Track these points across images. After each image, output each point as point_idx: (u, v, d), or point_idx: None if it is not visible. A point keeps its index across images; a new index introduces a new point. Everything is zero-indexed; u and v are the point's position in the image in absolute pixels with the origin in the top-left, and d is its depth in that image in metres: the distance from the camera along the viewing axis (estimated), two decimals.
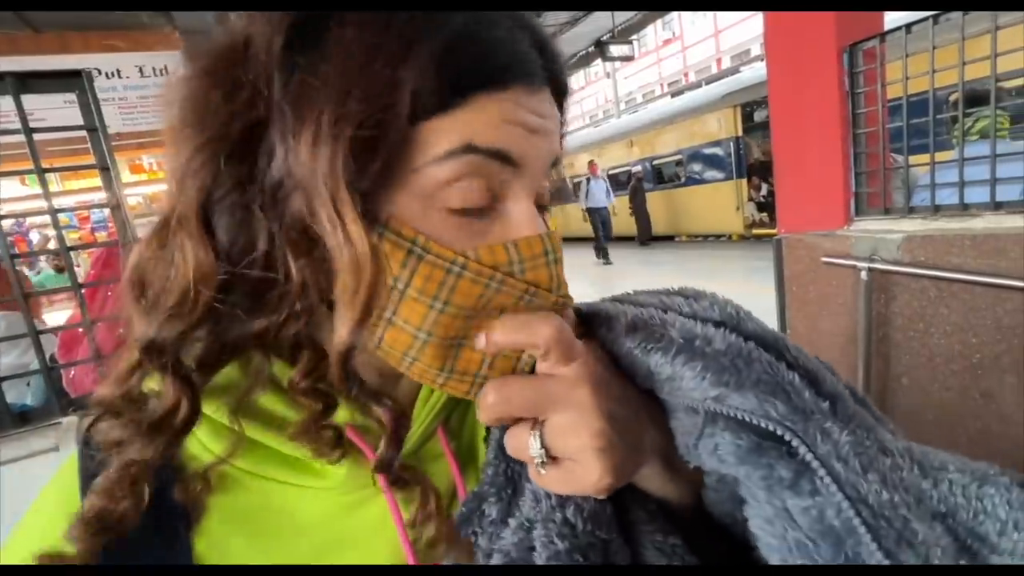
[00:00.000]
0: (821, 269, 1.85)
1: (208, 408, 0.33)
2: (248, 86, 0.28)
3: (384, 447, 0.33)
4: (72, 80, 1.30)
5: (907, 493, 0.25)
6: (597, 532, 0.31)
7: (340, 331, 0.28)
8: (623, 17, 10.89)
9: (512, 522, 0.32)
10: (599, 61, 12.53)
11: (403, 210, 0.30)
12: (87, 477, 0.34)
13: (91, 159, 1.33)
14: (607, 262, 9.00)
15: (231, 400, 0.33)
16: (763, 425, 0.27)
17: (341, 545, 0.36)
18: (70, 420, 1.23)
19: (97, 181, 1.35)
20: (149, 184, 5.47)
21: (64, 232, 1.36)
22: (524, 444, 0.30)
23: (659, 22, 19.17)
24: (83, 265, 3.67)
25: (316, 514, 0.36)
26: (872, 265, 1.67)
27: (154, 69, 4.45)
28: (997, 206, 1.50)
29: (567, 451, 0.29)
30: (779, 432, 0.27)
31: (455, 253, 0.30)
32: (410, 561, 0.35)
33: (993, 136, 1.49)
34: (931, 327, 1.61)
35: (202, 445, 0.34)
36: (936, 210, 1.63)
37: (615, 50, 10.53)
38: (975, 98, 1.74)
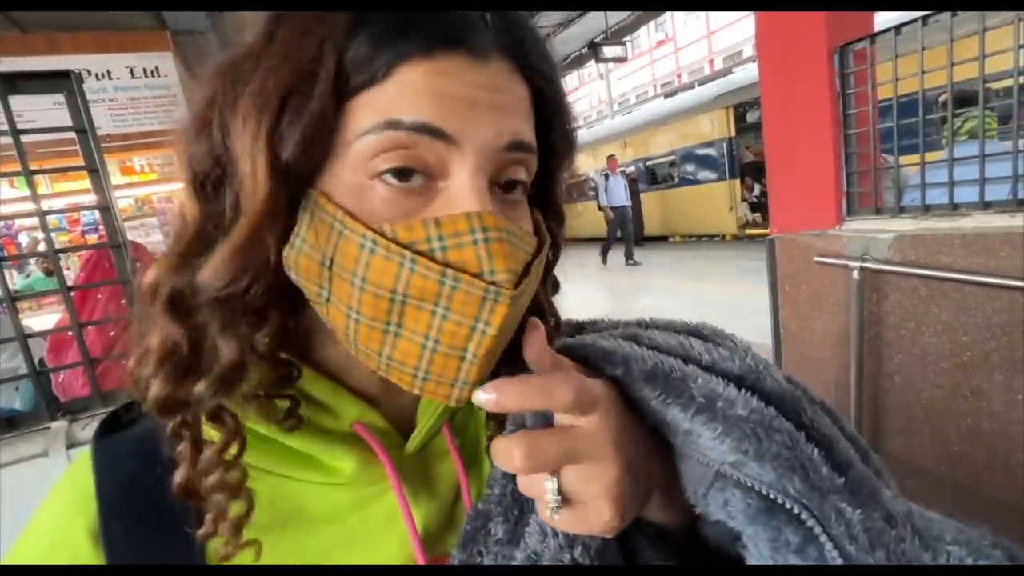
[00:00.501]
0: (813, 269, 1.87)
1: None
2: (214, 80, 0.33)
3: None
4: (60, 81, 1.28)
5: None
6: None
7: (212, 260, 0.30)
8: (616, 18, 10.96)
9: (519, 554, 0.31)
10: (592, 62, 12.59)
11: (340, 187, 0.30)
12: (103, 474, 0.34)
13: (81, 161, 1.32)
14: (635, 263, 8.61)
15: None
16: (780, 501, 0.27)
17: (351, 541, 0.36)
18: (59, 425, 1.21)
19: (88, 183, 1.34)
20: (141, 186, 5.42)
21: (54, 235, 1.34)
22: (539, 486, 0.29)
23: (652, 23, 19.28)
24: (73, 268, 3.63)
25: (325, 510, 0.36)
26: (864, 264, 1.68)
27: (145, 70, 4.41)
28: (986, 205, 1.51)
29: (583, 497, 0.29)
30: (796, 510, 0.27)
31: (367, 228, 0.29)
32: (419, 556, 0.35)
33: (982, 136, 1.50)
34: (922, 326, 1.63)
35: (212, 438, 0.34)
36: (926, 210, 1.64)
37: (608, 51, 10.58)
38: (964, 99, 1.76)
